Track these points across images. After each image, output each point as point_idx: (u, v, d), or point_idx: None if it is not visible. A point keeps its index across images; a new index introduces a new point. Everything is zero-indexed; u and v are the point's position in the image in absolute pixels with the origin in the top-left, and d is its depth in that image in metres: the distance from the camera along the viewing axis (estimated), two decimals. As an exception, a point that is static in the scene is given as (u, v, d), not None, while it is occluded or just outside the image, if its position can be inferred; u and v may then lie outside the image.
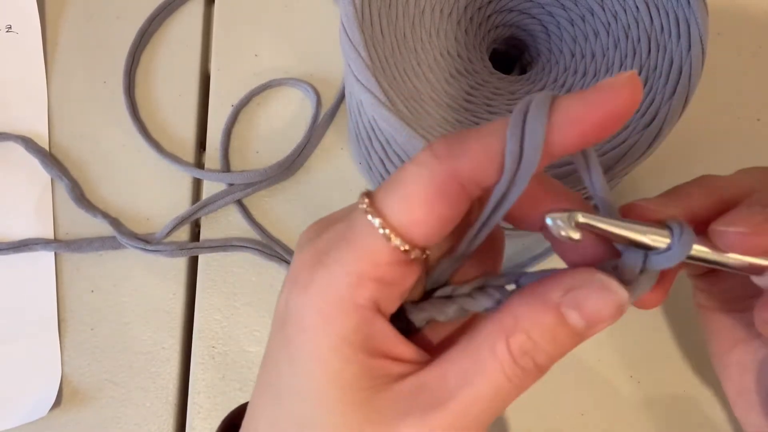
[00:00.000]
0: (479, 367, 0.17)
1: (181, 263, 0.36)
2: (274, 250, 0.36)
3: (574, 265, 0.19)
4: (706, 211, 0.20)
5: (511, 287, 0.19)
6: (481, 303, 0.19)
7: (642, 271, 0.17)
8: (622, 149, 0.26)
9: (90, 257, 0.36)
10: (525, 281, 0.19)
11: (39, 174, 0.38)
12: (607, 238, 0.18)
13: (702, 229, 0.19)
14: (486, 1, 0.32)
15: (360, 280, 0.17)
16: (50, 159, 0.38)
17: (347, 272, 0.17)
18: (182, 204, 0.37)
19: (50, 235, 0.37)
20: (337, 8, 0.41)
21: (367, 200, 0.17)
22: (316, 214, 0.37)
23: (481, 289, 0.19)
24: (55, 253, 0.36)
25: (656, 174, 0.37)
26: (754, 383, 0.24)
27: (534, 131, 0.15)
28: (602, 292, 0.17)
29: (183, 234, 0.37)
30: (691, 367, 0.34)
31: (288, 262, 0.36)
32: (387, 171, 0.32)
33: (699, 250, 0.18)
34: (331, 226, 0.18)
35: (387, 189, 0.17)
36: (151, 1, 0.40)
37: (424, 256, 0.18)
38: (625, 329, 0.35)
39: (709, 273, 0.24)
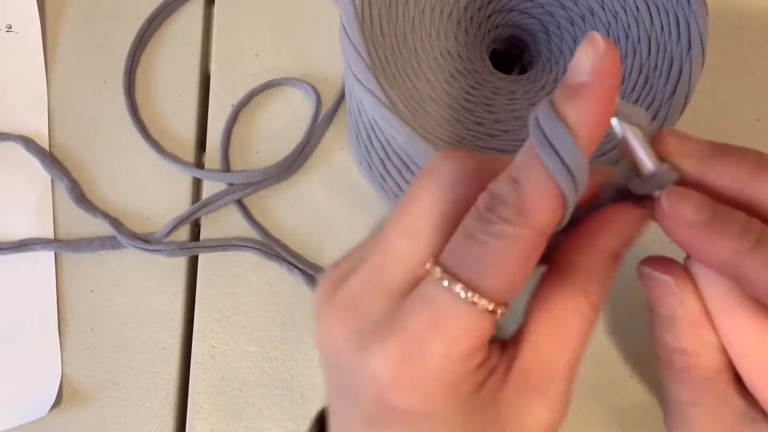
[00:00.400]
0: (569, 330, 0.18)
1: (181, 263, 0.36)
2: (274, 249, 0.36)
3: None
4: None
5: None
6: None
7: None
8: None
9: (90, 257, 0.36)
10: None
11: (39, 174, 0.38)
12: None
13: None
14: (486, 1, 0.32)
15: (471, 355, 0.17)
16: (50, 159, 0.38)
17: (457, 358, 0.17)
18: (182, 204, 0.37)
19: (50, 235, 0.37)
20: (337, 8, 0.41)
21: (446, 276, 0.16)
22: (316, 214, 0.37)
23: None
24: (55, 253, 0.36)
25: (656, 174, 0.37)
26: None
27: (562, 142, 0.15)
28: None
29: (183, 234, 0.37)
30: (691, 367, 0.34)
31: (288, 262, 0.36)
32: (387, 171, 0.32)
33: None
34: (413, 310, 0.17)
35: (473, 261, 0.16)
36: (151, 1, 0.40)
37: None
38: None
39: None
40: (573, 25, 0.31)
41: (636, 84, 0.28)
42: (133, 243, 0.35)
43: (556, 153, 0.15)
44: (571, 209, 0.16)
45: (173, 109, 0.39)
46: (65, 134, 0.39)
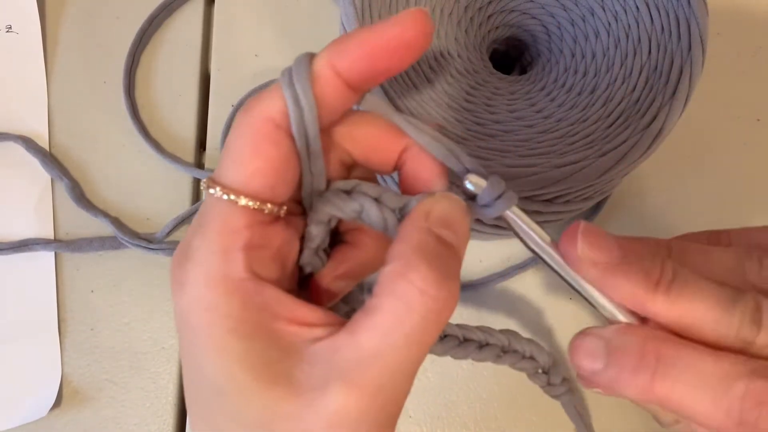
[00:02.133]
0: (387, 315, 0.16)
1: (181, 263, 0.36)
2: None
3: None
4: None
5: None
6: (322, 209, 0.19)
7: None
8: (622, 149, 0.26)
9: (90, 257, 0.36)
10: (361, 188, 0.19)
11: (39, 174, 0.38)
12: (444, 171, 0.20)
13: None
14: (486, 2, 0.32)
15: (226, 254, 0.17)
16: (50, 159, 0.38)
17: (211, 252, 0.17)
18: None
19: (50, 235, 0.37)
20: (337, 8, 0.41)
21: (204, 180, 0.17)
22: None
23: (321, 196, 0.19)
24: (55, 253, 0.36)
25: (656, 174, 0.37)
26: None
27: (300, 74, 0.17)
28: (453, 203, 0.18)
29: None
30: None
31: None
32: (387, 171, 0.32)
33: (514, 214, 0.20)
34: (191, 224, 0.18)
35: (219, 162, 0.17)
36: (151, 1, 0.40)
37: (283, 211, 0.18)
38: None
39: None
40: (573, 25, 0.31)
41: (636, 84, 0.28)
42: (134, 242, 0.35)
43: (291, 76, 0.17)
44: (299, 132, 0.17)
45: (173, 109, 0.39)
46: (65, 134, 0.39)
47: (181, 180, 0.38)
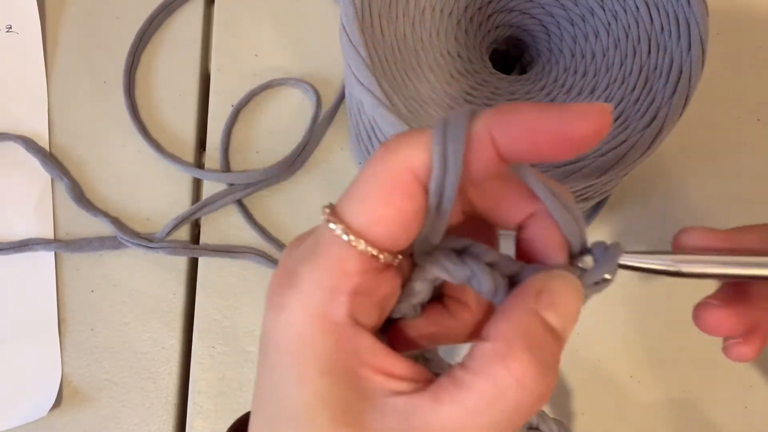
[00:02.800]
0: (477, 396, 0.16)
1: (181, 263, 0.36)
2: (275, 257, 0.36)
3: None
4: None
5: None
6: (430, 269, 0.18)
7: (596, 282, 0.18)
8: (622, 149, 0.26)
9: (90, 257, 0.36)
10: (475, 249, 0.18)
11: (39, 174, 0.38)
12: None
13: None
14: (486, 1, 0.32)
15: (333, 295, 0.16)
16: (50, 159, 0.38)
17: (318, 288, 0.16)
18: (182, 204, 0.37)
19: (50, 235, 0.37)
20: (337, 8, 0.41)
21: (328, 210, 0.17)
22: (317, 214, 0.37)
23: (431, 253, 0.18)
24: (55, 253, 0.36)
25: (656, 174, 0.37)
26: None
27: (455, 133, 0.16)
28: (569, 287, 0.17)
29: (183, 234, 0.37)
30: (692, 367, 0.34)
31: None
32: (387, 171, 0.32)
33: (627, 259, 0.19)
34: (301, 243, 0.18)
35: (347, 194, 0.17)
36: (151, 1, 0.40)
37: (397, 261, 0.17)
38: (626, 329, 0.35)
39: None
40: (573, 25, 0.31)
41: (636, 84, 0.28)
42: (134, 242, 0.35)
43: (445, 132, 0.16)
44: (434, 197, 0.16)
45: (173, 109, 0.39)
46: (65, 134, 0.39)
47: (180, 180, 0.38)
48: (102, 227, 0.37)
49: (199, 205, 0.36)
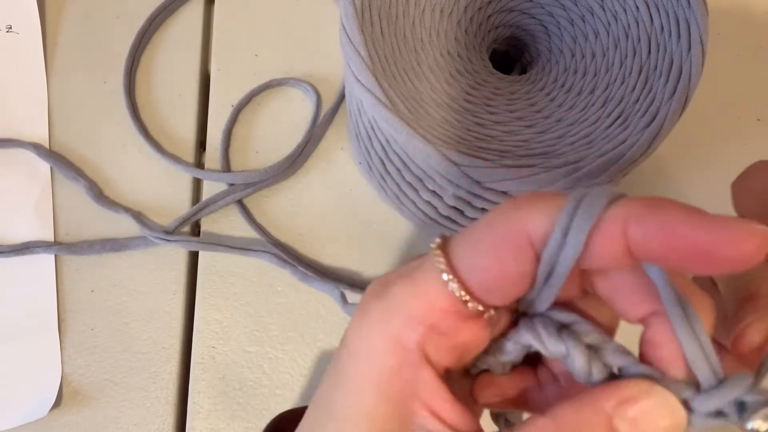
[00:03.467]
0: None
1: (181, 263, 0.36)
2: (290, 256, 0.36)
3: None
4: None
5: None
6: (524, 335, 0.17)
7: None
8: (622, 149, 0.26)
9: (90, 257, 0.36)
10: (578, 328, 0.17)
11: (38, 176, 0.38)
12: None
13: None
14: (486, 1, 0.32)
15: (411, 321, 0.16)
16: (64, 161, 0.38)
17: (402, 310, 0.17)
18: (182, 204, 0.37)
19: (50, 236, 0.37)
20: (337, 8, 0.41)
21: (440, 241, 0.17)
22: (317, 214, 0.37)
23: (531, 319, 0.18)
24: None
25: (656, 174, 0.37)
26: None
27: (588, 211, 0.14)
28: (663, 410, 0.15)
29: (183, 234, 0.37)
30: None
31: (306, 265, 0.36)
32: (387, 171, 0.32)
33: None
34: (408, 263, 0.18)
35: (463, 234, 0.17)
36: (151, 1, 0.40)
37: (488, 315, 0.17)
38: (626, 329, 0.35)
39: None
40: (573, 25, 0.31)
41: (636, 84, 0.28)
42: (155, 235, 0.35)
43: (578, 201, 0.15)
44: (541, 278, 0.16)
45: (173, 109, 0.39)
46: (65, 134, 0.39)
47: (181, 180, 0.38)
48: (102, 227, 0.37)
49: (200, 206, 0.36)
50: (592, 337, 0.17)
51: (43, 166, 0.38)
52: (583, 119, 0.28)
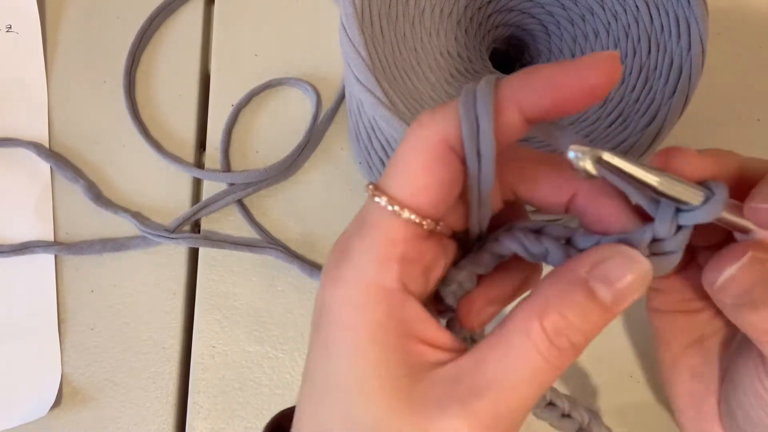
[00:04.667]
0: (515, 351, 0.17)
1: (181, 263, 0.36)
2: (296, 254, 0.36)
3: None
4: (731, 178, 0.20)
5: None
6: (508, 246, 0.19)
7: (676, 230, 0.17)
8: (622, 149, 0.26)
9: (90, 257, 0.36)
10: (551, 230, 0.19)
11: (38, 175, 0.38)
12: (631, 206, 0.18)
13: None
14: (486, 1, 0.32)
15: (383, 262, 0.17)
16: (63, 162, 0.38)
17: (369, 258, 0.17)
18: (182, 204, 0.37)
19: (50, 235, 0.37)
20: (337, 8, 0.41)
21: (372, 186, 0.18)
22: (317, 214, 0.37)
23: (508, 230, 0.19)
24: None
25: (656, 174, 0.37)
26: (703, 388, 0.24)
27: (483, 101, 0.16)
28: (626, 263, 0.17)
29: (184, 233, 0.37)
30: (691, 367, 0.34)
31: (309, 264, 0.36)
32: (387, 171, 0.32)
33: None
34: (351, 225, 0.19)
35: (387, 171, 0.18)
36: (151, 1, 0.40)
37: (438, 227, 0.18)
38: (625, 329, 0.35)
39: (664, 276, 0.24)
40: (573, 25, 0.31)
41: (636, 84, 0.28)
42: (156, 233, 0.35)
43: (474, 100, 0.17)
44: (473, 166, 0.17)
45: (173, 109, 0.39)
46: (65, 134, 0.39)
47: (181, 180, 0.38)
48: (102, 227, 0.37)
49: (200, 206, 0.36)
50: (564, 232, 0.18)
51: (43, 166, 0.38)
52: (583, 119, 0.28)
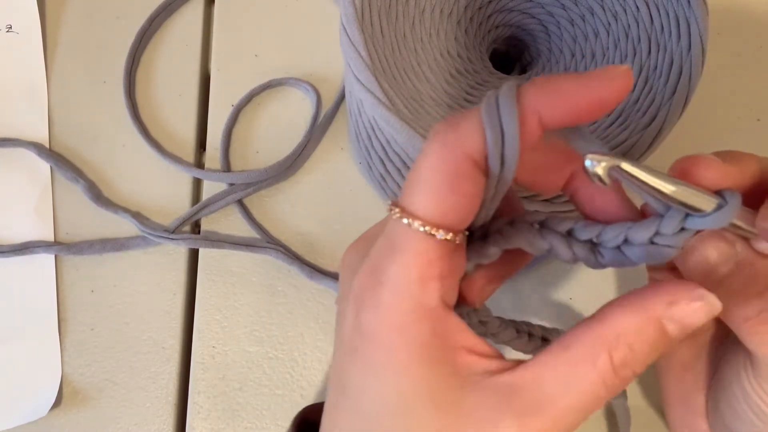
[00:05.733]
0: (580, 377, 0.17)
1: (181, 264, 0.36)
2: (296, 254, 0.36)
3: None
4: (751, 182, 0.20)
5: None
6: (514, 241, 0.19)
7: (680, 231, 0.18)
8: (622, 149, 0.26)
9: (90, 258, 0.36)
10: (553, 225, 0.19)
11: (38, 175, 0.38)
12: (629, 201, 0.19)
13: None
14: (486, 1, 0.32)
15: (423, 284, 0.17)
16: (63, 162, 0.38)
17: (408, 281, 0.17)
18: (182, 204, 0.37)
19: (50, 235, 0.37)
20: (337, 8, 0.41)
21: (398, 209, 0.18)
22: (317, 214, 0.37)
23: (511, 225, 0.20)
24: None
25: (656, 174, 0.37)
26: (692, 382, 0.24)
27: (507, 110, 0.17)
28: (705, 309, 0.17)
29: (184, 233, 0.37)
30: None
31: (308, 265, 0.36)
32: (387, 171, 0.32)
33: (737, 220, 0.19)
34: (373, 243, 0.19)
35: (411, 191, 0.18)
36: (151, 1, 0.40)
37: (468, 233, 0.18)
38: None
39: (661, 267, 0.24)
40: (573, 25, 0.31)
41: (636, 84, 0.28)
42: (155, 234, 0.35)
43: (497, 109, 0.17)
44: (494, 174, 0.17)
45: (173, 109, 0.39)
46: (65, 134, 0.39)
47: (181, 180, 0.38)
48: (102, 227, 0.37)
49: (200, 206, 0.36)
50: (565, 224, 0.19)
51: (43, 166, 0.38)
52: (583, 119, 0.28)
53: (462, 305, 0.21)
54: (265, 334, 0.35)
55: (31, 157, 0.38)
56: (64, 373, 0.34)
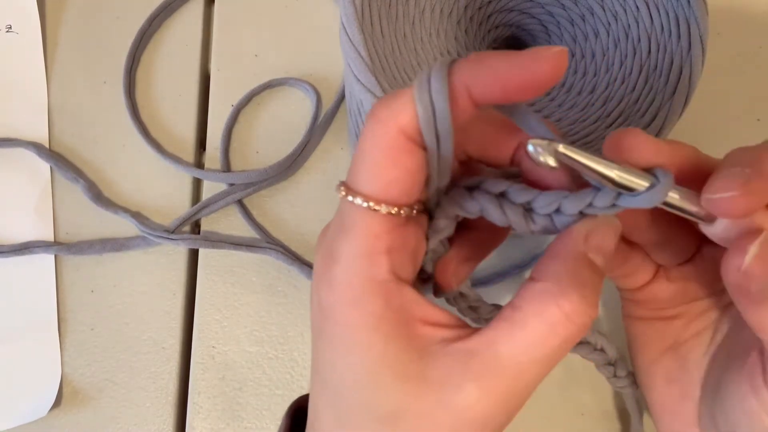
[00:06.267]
0: (531, 332, 0.17)
1: (181, 264, 0.36)
2: (296, 254, 0.36)
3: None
4: (687, 167, 0.20)
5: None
6: (448, 209, 0.20)
7: (610, 207, 0.18)
8: (622, 149, 0.26)
9: (90, 257, 0.36)
10: (486, 185, 0.19)
11: (38, 175, 0.38)
12: (577, 173, 0.19)
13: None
14: (486, 1, 0.32)
15: (371, 258, 0.18)
16: (63, 162, 0.38)
17: (357, 256, 0.18)
18: (182, 204, 0.37)
19: (50, 235, 0.37)
20: (337, 8, 0.41)
21: (343, 187, 0.18)
22: (317, 214, 0.37)
23: (446, 193, 0.20)
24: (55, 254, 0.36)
25: (656, 174, 0.37)
26: (679, 393, 0.24)
27: (438, 85, 0.17)
28: (613, 230, 0.19)
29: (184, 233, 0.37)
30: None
31: (307, 265, 0.36)
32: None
33: (671, 197, 0.19)
34: (331, 225, 0.19)
35: (354, 168, 0.18)
36: (151, 1, 0.40)
37: (414, 212, 0.19)
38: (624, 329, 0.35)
39: (642, 286, 0.24)
40: (573, 25, 0.31)
41: (636, 84, 0.28)
42: (155, 234, 0.35)
43: (429, 85, 0.17)
44: (432, 149, 0.17)
45: (173, 109, 0.39)
46: (65, 134, 0.39)
47: (181, 180, 0.38)
48: (102, 227, 0.37)
49: (200, 206, 0.36)
50: (498, 186, 0.19)
51: (43, 166, 0.38)
52: (584, 119, 0.28)
53: (448, 291, 0.21)
54: (265, 334, 0.35)
55: (31, 157, 0.38)
56: (64, 373, 0.34)
